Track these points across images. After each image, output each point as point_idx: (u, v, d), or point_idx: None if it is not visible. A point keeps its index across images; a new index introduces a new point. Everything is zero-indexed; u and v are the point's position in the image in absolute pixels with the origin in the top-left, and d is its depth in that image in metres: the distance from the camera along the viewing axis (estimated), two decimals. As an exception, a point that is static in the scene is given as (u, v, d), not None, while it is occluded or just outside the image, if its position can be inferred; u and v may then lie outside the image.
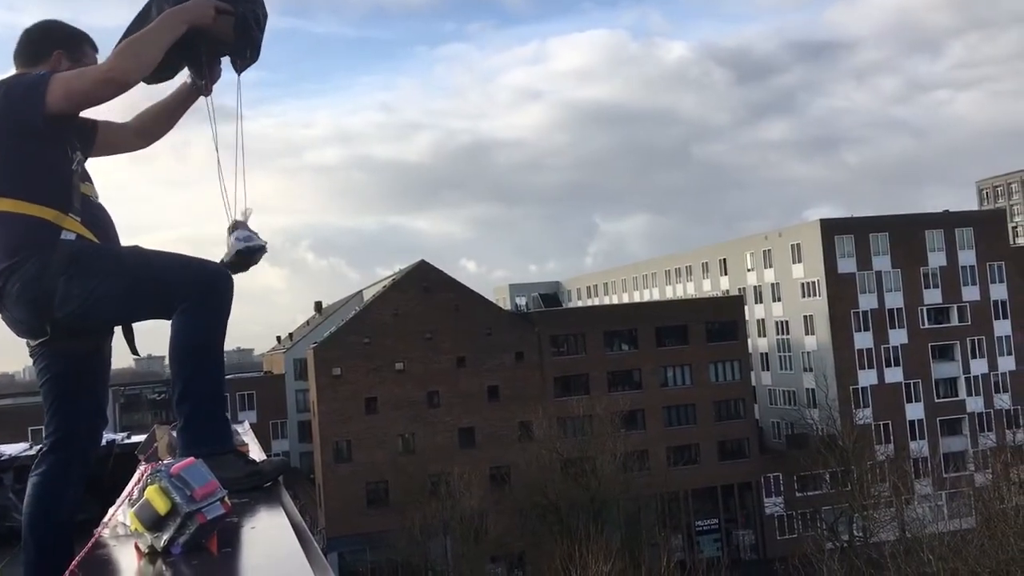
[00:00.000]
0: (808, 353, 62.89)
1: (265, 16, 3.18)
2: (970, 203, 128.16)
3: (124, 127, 3.42)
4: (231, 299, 2.96)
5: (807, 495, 54.48)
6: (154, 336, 2.91)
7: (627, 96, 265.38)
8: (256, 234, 3.25)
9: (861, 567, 38.08)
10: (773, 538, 57.17)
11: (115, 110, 3.32)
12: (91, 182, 3.12)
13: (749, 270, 69.38)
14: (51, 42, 3.06)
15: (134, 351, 3.23)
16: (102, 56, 3.12)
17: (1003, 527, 37.02)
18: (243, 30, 3.10)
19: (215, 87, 3.28)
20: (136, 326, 3.19)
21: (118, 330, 3.18)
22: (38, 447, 3.25)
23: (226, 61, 3.25)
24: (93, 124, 3.25)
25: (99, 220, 3.02)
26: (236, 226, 3.23)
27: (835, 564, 36.98)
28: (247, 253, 3.19)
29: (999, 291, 64.72)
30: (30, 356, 3.04)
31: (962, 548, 35.41)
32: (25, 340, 3.01)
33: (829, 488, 51.89)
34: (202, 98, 3.30)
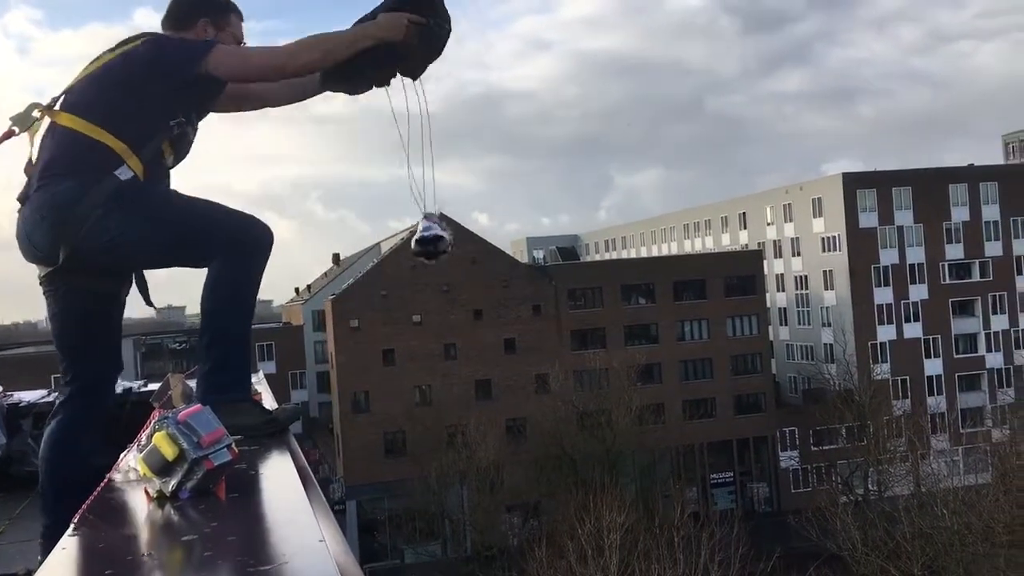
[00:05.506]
0: (827, 308, 62.64)
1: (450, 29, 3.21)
2: (995, 157, 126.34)
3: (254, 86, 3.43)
4: (268, 252, 3.00)
5: (823, 449, 54.67)
6: (176, 286, 2.94)
7: (639, 46, 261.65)
8: (435, 224, 3.30)
9: (875, 520, 38.30)
10: (788, 491, 57.51)
11: None
12: (180, 151, 3.14)
13: (769, 224, 68.90)
14: (198, 10, 3.19)
15: (148, 303, 3.26)
16: (246, 24, 3.28)
17: (1019, 482, 37.09)
18: (431, 43, 3.15)
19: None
20: (154, 278, 3.24)
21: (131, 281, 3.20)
22: (55, 394, 3.29)
23: None
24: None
25: (157, 178, 3.03)
26: (427, 217, 3.32)
27: (849, 517, 37.18)
28: (422, 243, 3.25)
29: (1023, 246, 64.04)
30: (44, 295, 3.05)
31: (976, 503, 35.55)
32: (38, 279, 3.02)
33: (845, 443, 52.04)
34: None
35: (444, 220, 3.29)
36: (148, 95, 2.90)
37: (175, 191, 3.08)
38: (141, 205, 2.86)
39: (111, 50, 3.02)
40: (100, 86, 2.93)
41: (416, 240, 3.23)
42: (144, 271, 3.20)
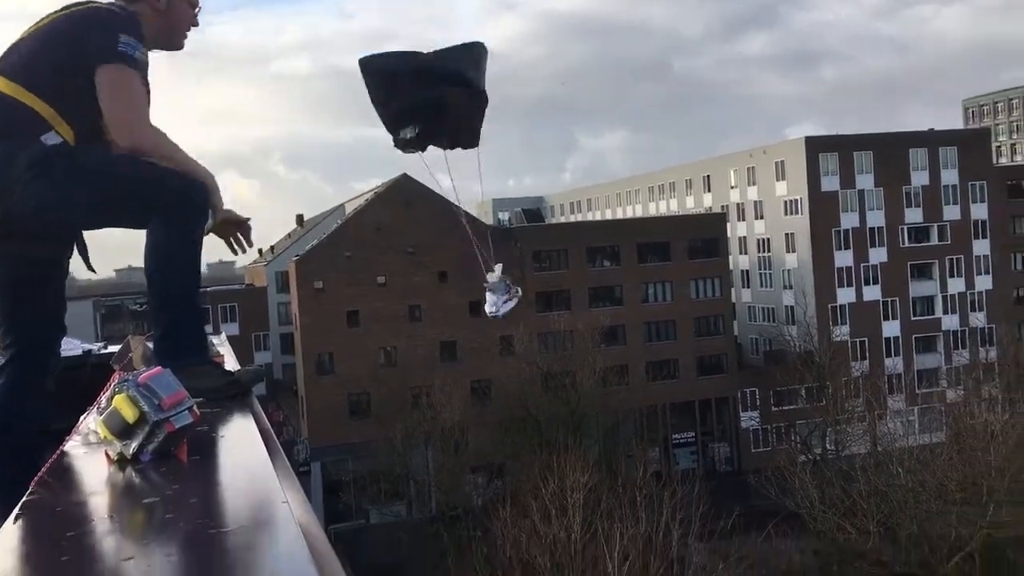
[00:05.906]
0: (788, 271, 63.36)
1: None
2: (956, 122, 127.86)
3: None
4: (207, 211, 2.93)
5: (783, 409, 55.59)
6: (136, 247, 2.89)
7: (604, 6, 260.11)
8: (500, 297, 3.35)
9: (832, 479, 39.16)
10: (748, 451, 58.50)
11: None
12: None
13: (732, 187, 69.30)
14: None
15: (89, 267, 3.21)
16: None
17: (972, 441, 38.12)
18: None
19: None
20: (115, 238, 3.16)
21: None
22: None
23: None
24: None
25: (94, 142, 2.92)
26: (492, 288, 3.35)
27: (807, 476, 37.98)
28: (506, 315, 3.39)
29: (980, 211, 65.06)
30: None
31: (931, 461, 36.49)
32: None
33: (804, 403, 52.97)
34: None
35: (504, 282, 3.36)
36: (74, 64, 2.80)
37: (111, 154, 2.99)
38: (70, 171, 2.78)
39: (56, 12, 2.92)
40: (34, 48, 2.84)
41: (497, 316, 3.33)
42: (83, 235, 3.13)
